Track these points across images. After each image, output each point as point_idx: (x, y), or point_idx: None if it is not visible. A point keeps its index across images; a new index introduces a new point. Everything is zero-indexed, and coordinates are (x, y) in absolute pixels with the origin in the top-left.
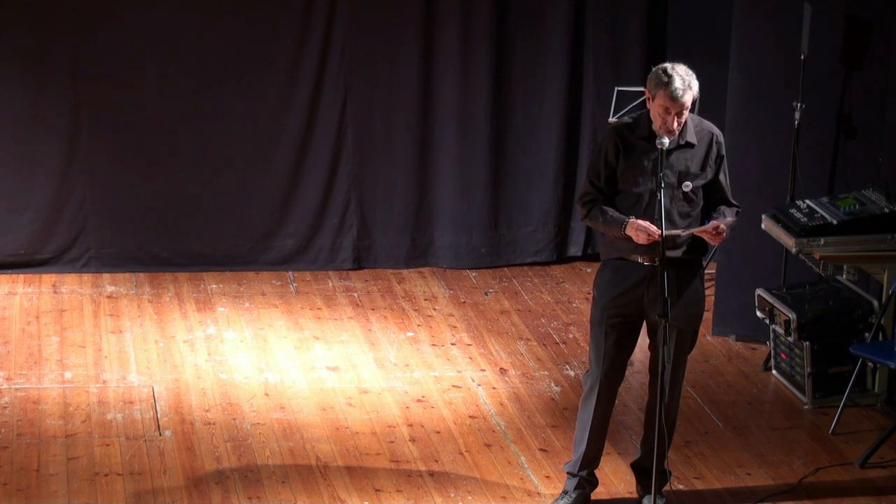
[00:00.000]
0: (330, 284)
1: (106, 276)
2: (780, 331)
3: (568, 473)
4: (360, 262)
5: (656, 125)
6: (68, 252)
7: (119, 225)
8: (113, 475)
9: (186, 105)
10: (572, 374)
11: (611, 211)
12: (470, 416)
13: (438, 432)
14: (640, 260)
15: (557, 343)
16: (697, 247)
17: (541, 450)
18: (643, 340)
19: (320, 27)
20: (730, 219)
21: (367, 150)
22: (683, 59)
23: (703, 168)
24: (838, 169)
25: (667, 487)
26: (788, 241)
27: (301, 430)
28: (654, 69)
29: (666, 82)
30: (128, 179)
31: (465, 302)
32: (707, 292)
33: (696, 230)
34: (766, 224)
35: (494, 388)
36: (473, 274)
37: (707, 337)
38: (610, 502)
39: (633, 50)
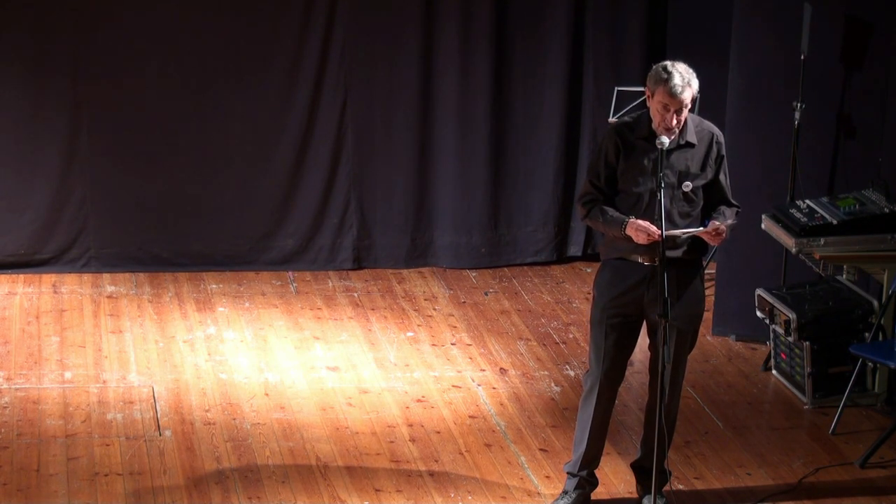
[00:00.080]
0: (330, 284)
1: (106, 276)
2: (780, 331)
3: (568, 473)
4: (360, 262)
5: (655, 123)
6: (68, 252)
7: (119, 225)
8: (113, 475)
9: (186, 105)
10: (572, 374)
11: (611, 211)
12: (470, 416)
13: (438, 432)
14: (640, 260)
15: (557, 343)
16: (697, 247)
17: (541, 450)
18: (643, 340)
19: (320, 27)
20: (730, 220)
21: (367, 150)
22: (683, 59)
23: (703, 168)
24: (838, 169)
25: (667, 487)
26: (788, 241)
27: (301, 430)
28: (654, 66)
29: (665, 79)
30: (128, 179)
31: (465, 302)
32: (707, 292)
33: (695, 231)
34: (766, 224)
35: (494, 388)
36: (473, 274)
37: (707, 337)
38: (610, 502)
39: (633, 50)
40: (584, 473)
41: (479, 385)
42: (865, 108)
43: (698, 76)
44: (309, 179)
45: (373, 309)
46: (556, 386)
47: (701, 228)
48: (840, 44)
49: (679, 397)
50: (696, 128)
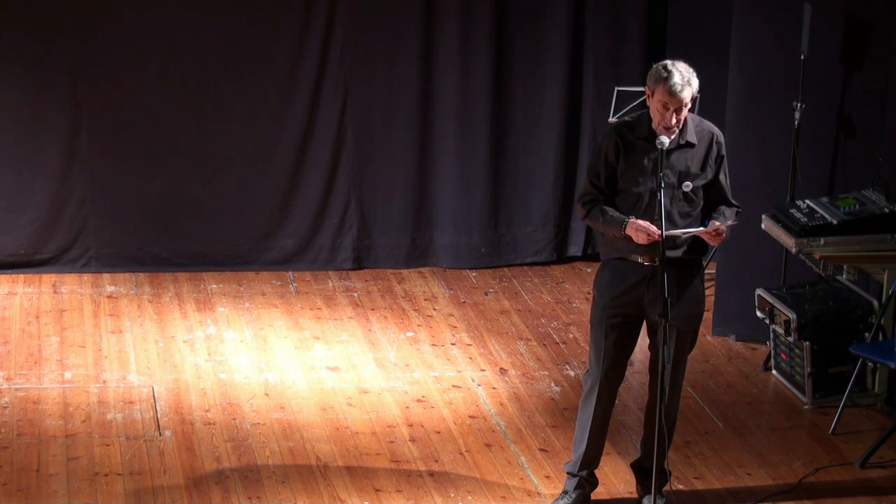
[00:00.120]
0: (330, 284)
1: (106, 276)
2: (780, 331)
3: (568, 473)
4: (360, 262)
5: (655, 121)
6: (68, 252)
7: (119, 225)
8: (113, 475)
9: (186, 105)
10: (572, 374)
11: (611, 211)
12: (470, 416)
13: (438, 432)
14: (640, 260)
15: (557, 343)
16: (697, 247)
17: (541, 450)
18: (643, 340)
19: (320, 27)
20: (730, 220)
21: (367, 150)
22: (683, 59)
23: (703, 168)
24: (838, 169)
25: (667, 487)
26: (788, 241)
27: (301, 430)
28: (654, 65)
29: (665, 77)
30: (128, 179)
31: (465, 302)
32: (707, 292)
33: (695, 231)
34: (766, 224)
35: (494, 388)
36: (473, 274)
37: (707, 337)
38: (610, 502)
39: (633, 50)
40: (584, 473)
41: (479, 385)
42: (865, 108)
43: (698, 76)
44: (309, 179)
45: (373, 309)
46: (556, 386)
47: (701, 228)
48: (840, 44)
49: (679, 397)
50: (696, 128)
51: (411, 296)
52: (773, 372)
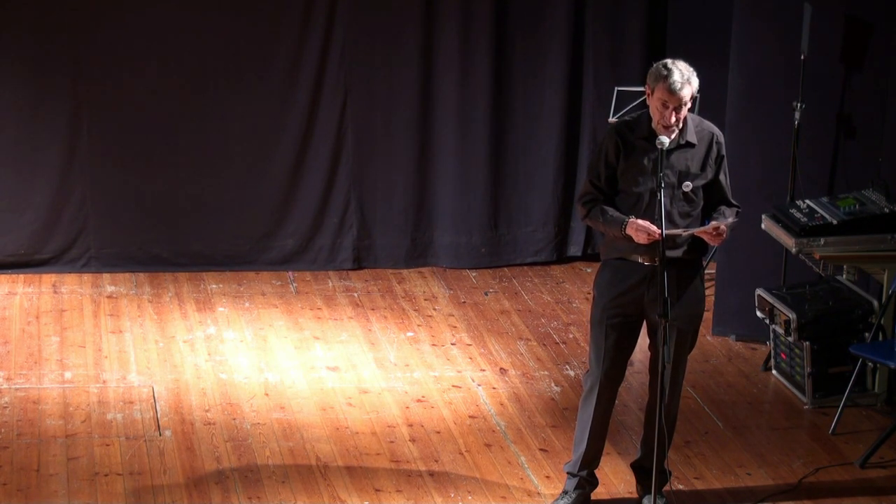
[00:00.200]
0: (330, 284)
1: (106, 276)
2: (780, 331)
3: (568, 473)
4: (360, 262)
5: (655, 120)
6: (68, 252)
7: (119, 225)
8: (113, 475)
9: (186, 105)
10: (572, 374)
11: (611, 211)
12: (470, 416)
13: (438, 432)
14: (640, 260)
15: (557, 343)
16: (697, 247)
17: (541, 450)
18: (643, 340)
19: (320, 27)
20: (730, 219)
21: (367, 150)
22: (683, 59)
23: (703, 168)
24: (838, 169)
25: (667, 487)
26: (788, 241)
27: (301, 430)
28: (654, 64)
29: (665, 75)
30: (128, 179)
31: (465, 302)
32: (707, 292)
33: (696, 230)
34: (766, 224)
35: (494, 388)
36: (473, 274)
37: (707, 337)
38: (610, 502)
39: (633, 50)
40: (584, 473)
41: (479, 385)
42: (865, 108)
43: (698, 76)
44: (309, 179)
45: (373, 309)
46: (556, 386)
47: (701, 228)
48: (840, 44)
49: (679, 397)
50: (696, 128)
51: (411, 296)
52: (773, 372)
